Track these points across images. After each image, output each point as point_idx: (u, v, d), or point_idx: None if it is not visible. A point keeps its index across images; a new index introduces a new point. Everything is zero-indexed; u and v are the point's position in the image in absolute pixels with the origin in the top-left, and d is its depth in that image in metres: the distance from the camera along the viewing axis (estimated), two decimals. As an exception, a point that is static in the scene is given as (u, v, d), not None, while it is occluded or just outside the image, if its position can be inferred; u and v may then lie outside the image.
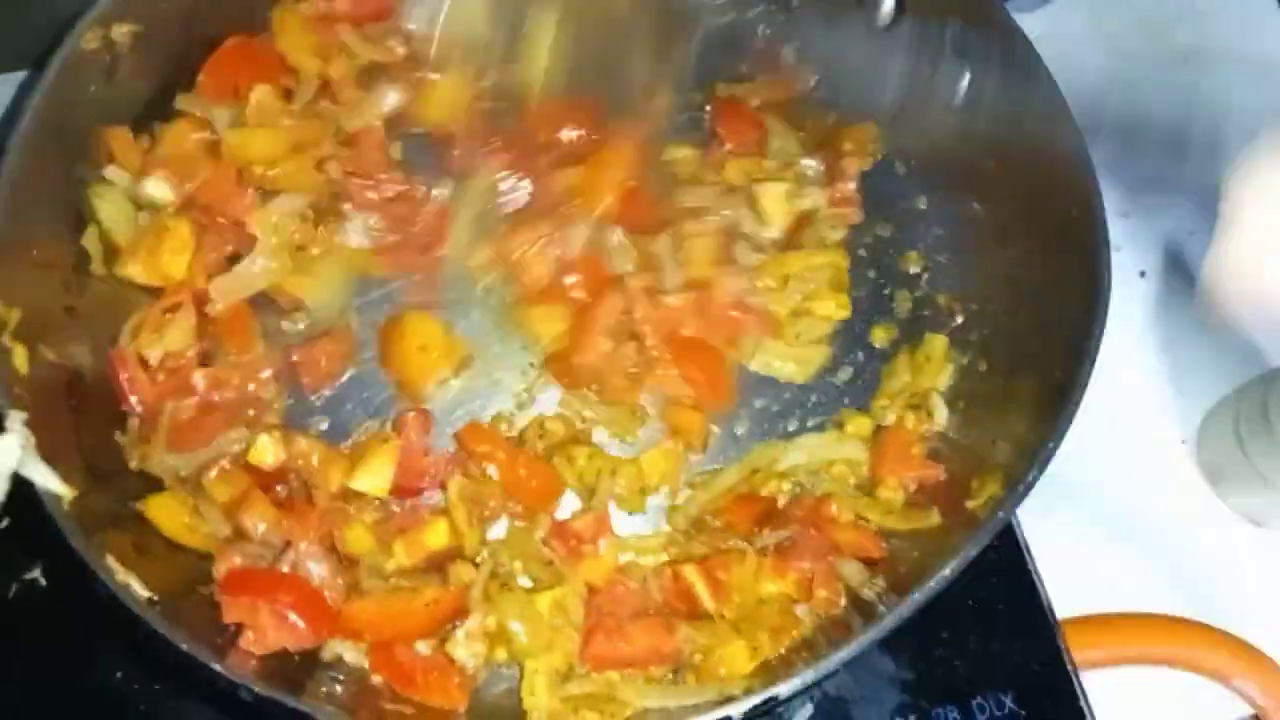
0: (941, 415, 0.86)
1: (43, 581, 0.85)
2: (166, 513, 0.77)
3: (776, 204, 0.91)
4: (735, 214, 0.91)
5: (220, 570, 0.75)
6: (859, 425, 0.87)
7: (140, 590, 0.68)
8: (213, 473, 0.79)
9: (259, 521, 0.77)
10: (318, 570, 0.76)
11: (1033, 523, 0.87)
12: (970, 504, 0.76)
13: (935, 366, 0.88)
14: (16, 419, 0.70)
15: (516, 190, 0.91)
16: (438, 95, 0.93)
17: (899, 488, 0.83)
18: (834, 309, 0.90)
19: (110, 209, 0.84)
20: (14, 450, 0.69)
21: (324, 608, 0.75)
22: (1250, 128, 0.69)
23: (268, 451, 0.79)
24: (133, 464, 0.79)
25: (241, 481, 0.79)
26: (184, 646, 0.66)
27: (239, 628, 0.73)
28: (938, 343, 0.89)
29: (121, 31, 0.83)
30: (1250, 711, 0.85)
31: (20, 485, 0.69)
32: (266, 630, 0.72)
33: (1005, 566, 0.85)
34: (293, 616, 0.73)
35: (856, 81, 0.94)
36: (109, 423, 0.81)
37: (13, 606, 0.84)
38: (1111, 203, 0.80)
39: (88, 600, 0.69)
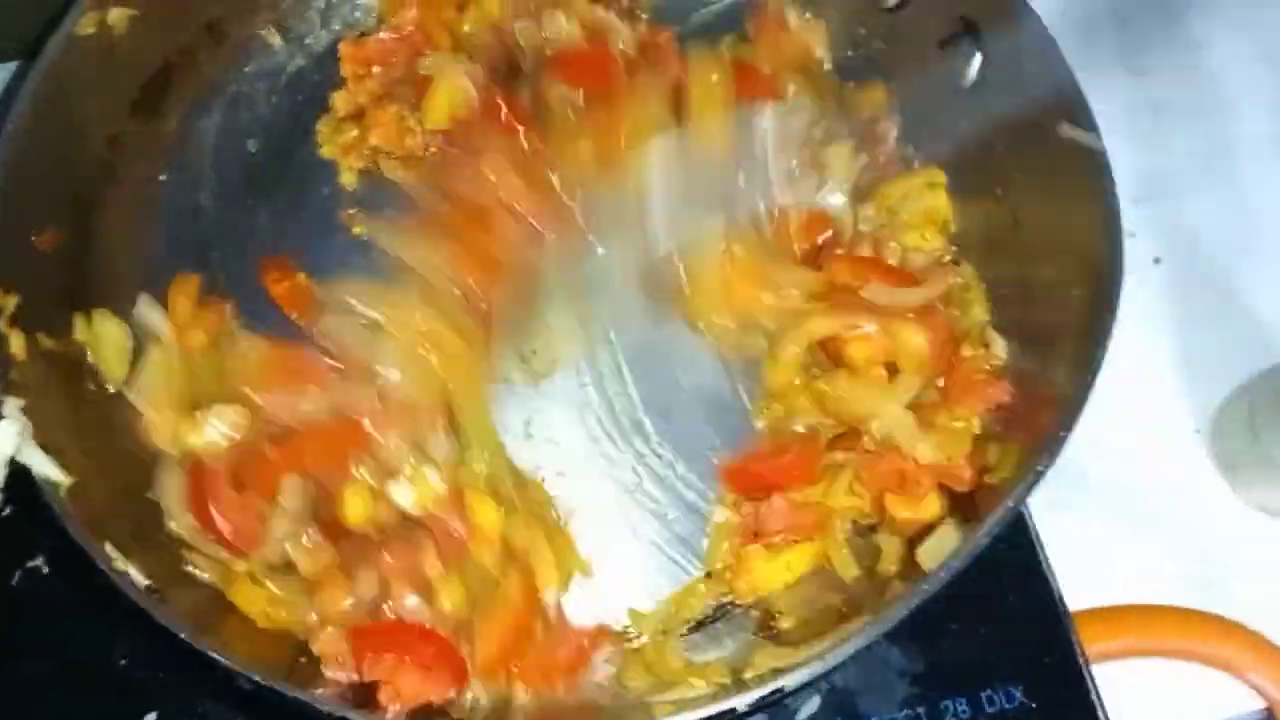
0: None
1: (45, 569, 0.85)
2: (249, 599, 0.74)
3: (845, 163, 0.86)
4: None
5: (317, 642, 0.71)
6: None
7: (139, 578, 0.68)
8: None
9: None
10: (414, 607, 0.72)
11: (1044, 513, 0.86)
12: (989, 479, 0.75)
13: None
14: (14, 405, 0.70)
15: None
16: (436, 102, 0.89)
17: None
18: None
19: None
20: (11, 437, 0.68)
21: (456, 655, 0.71)
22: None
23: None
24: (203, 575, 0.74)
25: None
26: (183, 635, 0.65)
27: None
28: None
29: (118, 16, 0.82)
30: (1263, 705, 0.84)
31: (24, 472, 0.68)
32: (407, 685, 0.68)
33: (1016, 557, 0.84)
34: (434, 670, 0.69)
35: (864, 57, 0.92)
36: (108, 411, 0.80)
37: (16, 593, 0.84)
38: (1125, 188, 0.78)
39: (91, 587, 0.68)
